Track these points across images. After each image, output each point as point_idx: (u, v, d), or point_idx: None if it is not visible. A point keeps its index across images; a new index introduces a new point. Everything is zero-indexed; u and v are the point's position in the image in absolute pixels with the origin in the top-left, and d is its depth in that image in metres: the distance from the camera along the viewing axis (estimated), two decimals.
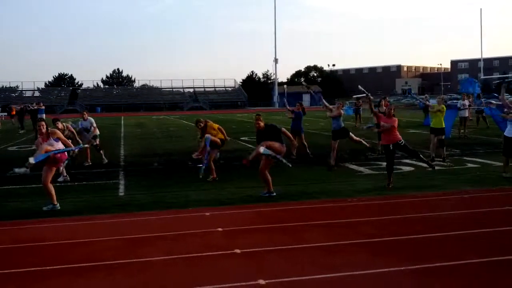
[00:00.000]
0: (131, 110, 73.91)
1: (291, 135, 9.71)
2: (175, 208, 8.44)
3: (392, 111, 10.10)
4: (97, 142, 14.06)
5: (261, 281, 4.91)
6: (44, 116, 28.83)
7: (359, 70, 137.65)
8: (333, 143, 12.30)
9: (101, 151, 14.17)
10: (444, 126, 13.39)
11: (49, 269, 5.50)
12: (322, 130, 25.32)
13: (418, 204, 8.50)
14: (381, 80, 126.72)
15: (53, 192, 8.32)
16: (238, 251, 5.92)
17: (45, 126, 8.41)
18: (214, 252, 5.92)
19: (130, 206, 8.65)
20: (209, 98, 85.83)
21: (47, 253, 6.13)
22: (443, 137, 13.40)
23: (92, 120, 14.29)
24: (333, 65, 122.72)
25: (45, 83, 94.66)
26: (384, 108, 15.32)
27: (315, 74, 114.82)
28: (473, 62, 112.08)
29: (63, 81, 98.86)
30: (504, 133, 10.84)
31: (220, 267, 5.44)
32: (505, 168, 10.70)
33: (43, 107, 30.21)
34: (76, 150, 10.92)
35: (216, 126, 11.28)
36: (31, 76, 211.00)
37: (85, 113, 14.63)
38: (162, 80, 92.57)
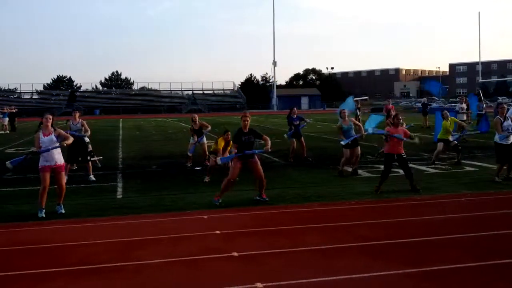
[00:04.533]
0: (129, 113, 73.85)
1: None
2: (173, 210, 8.43)
3: (400, 121, 10.04)
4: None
5: (259, 284, 4.90)
6: (7, 120, 29.97)
7: (357, 73, 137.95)
8: (345, 151, 11.81)
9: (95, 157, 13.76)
10: (450, 138, 13.41)
11: (46, 272, 5.48)
12: (320, 133, 25.34)
13: (416, 208, 8.50)
14: (380, 83, 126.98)
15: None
16: (235, 254, 5.91)
17: (51, 121, 8.34)
18: (212, 255, 5.91)
19: (128, 208, 8.63)
20: (208, 100, 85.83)
21: (45, 255, 6.11)
22: (456, 142, 13.41)
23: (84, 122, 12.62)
24: (332, 68, 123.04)
25: (44, 86, 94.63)
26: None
27: (314, 77, 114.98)
28: (471, 66, 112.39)
29: (61, 84, 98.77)
30: (498, 141, 10.60)
31: (217, 270, 5.44)
32: (498, 173, 10.66)
33: (7, 112, 31.74)
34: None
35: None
36: (30, 78, 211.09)
37: (76, 113, 12.43)
38: (161, 83, 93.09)
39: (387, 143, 9.77)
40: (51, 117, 8.39)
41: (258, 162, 9.08)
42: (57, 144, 8.17)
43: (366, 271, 5.28)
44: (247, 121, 9.00)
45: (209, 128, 13.72)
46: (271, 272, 5.32)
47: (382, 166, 12.69)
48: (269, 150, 8.98)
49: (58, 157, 8.25)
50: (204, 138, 13.76)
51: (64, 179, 8.50)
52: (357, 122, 12.30)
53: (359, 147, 11.95)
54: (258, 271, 5.36)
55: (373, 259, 5.68)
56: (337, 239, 6.58)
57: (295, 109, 14.99)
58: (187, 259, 5.79)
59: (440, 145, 13.29)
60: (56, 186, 8.36)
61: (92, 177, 11.52)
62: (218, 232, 6.92)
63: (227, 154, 10.93)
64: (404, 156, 9.76)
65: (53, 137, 8.22)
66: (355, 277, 5.13)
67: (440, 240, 6.44)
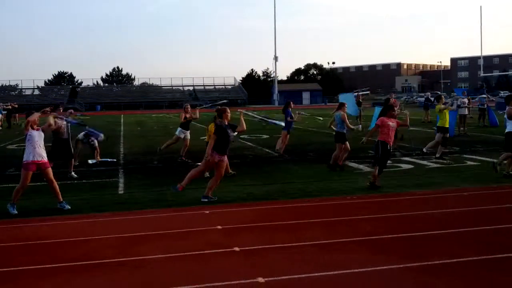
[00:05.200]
0: (131, 108, 73.81)
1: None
2: (174, 206, 8.44)
3: (395, 112, 10.11)
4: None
5: (260, 279, 4.92)
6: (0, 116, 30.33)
7: (359, 68, 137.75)
8: (346, 144, 11.95)
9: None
10: (447, 126, 13.47)
11: (48, 267, 5.50)
12: (322, 128, 25.30)
13: (417, 202, 8.50)
14: (381, 78, 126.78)
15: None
16: (237, 249, 5.92)
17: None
18: (213, 250, 5.93)
19: (130, 204, 8.65)
20: (209, 96, 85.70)
21: (47, 251, 6.12)
22: (448, 135, 13.46)
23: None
24: (333, 62, 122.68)
25: (45, 82, 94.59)
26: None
27: (315, 72, 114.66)
28: (473, 60, 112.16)
29: (63, 80, 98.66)
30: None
31: (219, 265, 5.45)
32: (506, 163, 10.56)
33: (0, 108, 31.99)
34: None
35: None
36: (31, 74, 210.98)
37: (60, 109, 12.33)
38: (162, 78, 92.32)
39: (381, 132, 9.69)
40: (38, 114, 8.58)
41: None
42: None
43: (367, 265, 5.29)
44: (228, 114, 8.94)
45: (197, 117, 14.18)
46: (272, 267, 5.32)
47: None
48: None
49: (44, 154, 8.28)
50: (188, 134, 14.16)
51: (51, 173, 8.38)
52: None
53: None
54: (260, 266, 5.37)
55: (374, 253, 5.69)
56: (338, 233, 6.59)
57: (292, 103, 15.03)
58: (189, 254, 5.80)
59: (438, 137, 13.28)
60: (48, 184, 8.32)
61: (73, 174, 11.39)
62: (219, 227, 6.92)
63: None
64: (390, 149, 9.74)
65: (41, 132, 8.34)
66: (356, 271, 5.14)
67: (441, 234, 6.44)
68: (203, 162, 8.78)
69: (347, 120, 11.89)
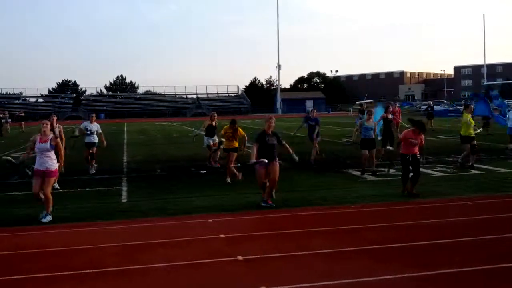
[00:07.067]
0: (134, 117, 74.06)
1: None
2: (177, 214, 8.43)
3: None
4: (94, 151, 13.54)
5: None
6: None
7: (362, 76, 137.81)
8: (363, 152, 12.42)
9: (93, 161, 13.60)
10: (473, 135, 13.40)
11: (51, 276, 5.49)
12: (325, 136, 25.27)
13: (421, 211, 8.47)
14: (384, 86, 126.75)
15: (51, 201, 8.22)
16: (240, 258, 5.91)
17: (48, 127, 8.49)
18: (217, 259, 5.91)
19: (133, 212, 8.64)
20: (212, 104, 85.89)
21: (49, 259, 6.12)
22: (475, 142, 13.38)
23: (98, 125, 13.85)
24: (336, 71, 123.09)
25: (49, 90, 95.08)
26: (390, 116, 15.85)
27: (318, 80, 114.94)
28: (476, 68, 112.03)
29: (66, 88, 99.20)
30: None
31: (222, 274, 5.43)
32: None
33: None
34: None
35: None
36: (35, 82, 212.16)
37: (93, 116, 14.16)
38: (165, 87, 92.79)
39: (403, 145, 9.76)
40: (48, 122, 8.58)
41: (277, 164, 8.97)
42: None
43: (371, 274, 5.26)
44: (272, 124, 9.12)
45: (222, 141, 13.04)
46: (275, 275, 5.31)
47: (385, 170, 12.73)
48: (296, 158, 9.46)
49: (50, 163, 8.23)
50: (216, 139, 14.42)
51: (50, 187, 8.24)
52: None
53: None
54: (263, 274, 5.36)
55: (378, 262, 5.66)
56: (342, 242, 6.56)
57: (315, 111, 15.44)
58: (192, 263, 5.78)
59: (467, 147, 13.18)
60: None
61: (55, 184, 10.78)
62: (222, 236, 6.91)
63: (234, 142, 11.91)
64: (418, 157, 9.68)
65: (48, 145, 8.27)
66: (359, 281, 5.11)
67: (446, 243, 6.41)
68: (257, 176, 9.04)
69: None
